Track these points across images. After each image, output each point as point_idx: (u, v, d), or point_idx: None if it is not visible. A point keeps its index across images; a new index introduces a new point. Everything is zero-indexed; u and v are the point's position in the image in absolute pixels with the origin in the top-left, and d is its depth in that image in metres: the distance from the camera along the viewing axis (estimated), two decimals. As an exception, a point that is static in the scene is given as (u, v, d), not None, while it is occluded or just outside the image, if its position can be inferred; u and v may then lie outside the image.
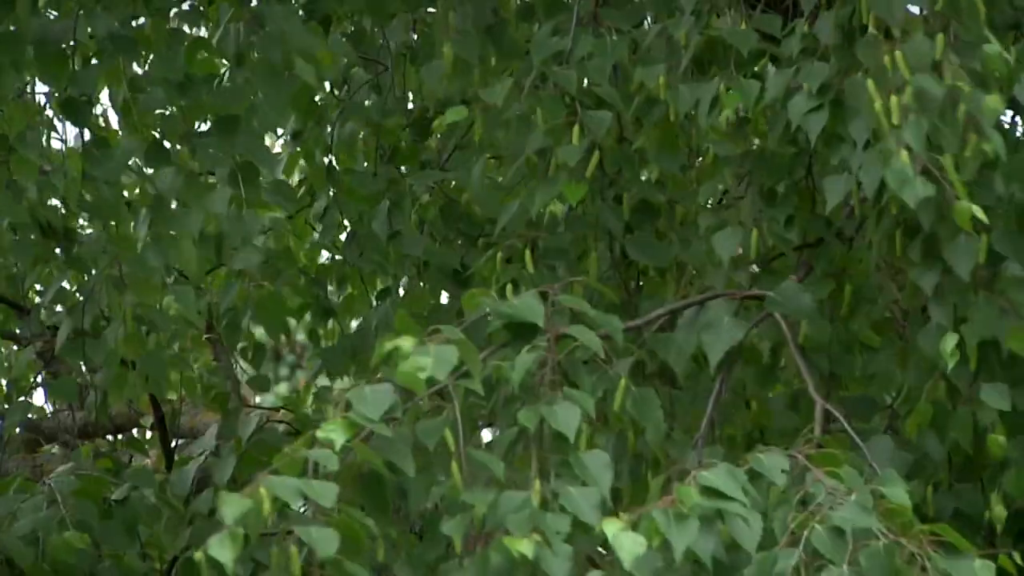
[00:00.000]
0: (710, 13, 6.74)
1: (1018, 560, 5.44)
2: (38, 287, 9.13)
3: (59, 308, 8.87)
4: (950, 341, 5.78)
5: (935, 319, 5.92)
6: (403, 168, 8.73)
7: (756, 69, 6.59)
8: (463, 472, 5.23)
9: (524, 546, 4.96)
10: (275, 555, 5.05)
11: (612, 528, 5.03)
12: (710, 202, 7.16)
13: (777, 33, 6.50)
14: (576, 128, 6.66)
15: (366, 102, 8.82)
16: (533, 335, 5.52)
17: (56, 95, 7.74)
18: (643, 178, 7.18)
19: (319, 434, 5.11)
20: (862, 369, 6.83)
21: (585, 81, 6.95)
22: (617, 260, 7.07)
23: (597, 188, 6.92)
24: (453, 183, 8.48)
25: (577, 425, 5.32)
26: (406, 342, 5.15)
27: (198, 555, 4.82)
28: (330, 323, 9.38)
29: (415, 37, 8.56)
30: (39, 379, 9.89)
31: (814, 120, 6.05)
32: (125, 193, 8.72)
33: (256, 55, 7.64)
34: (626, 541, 5.01)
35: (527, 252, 6.68)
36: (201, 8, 8.32)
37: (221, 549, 4.76)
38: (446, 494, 5.29)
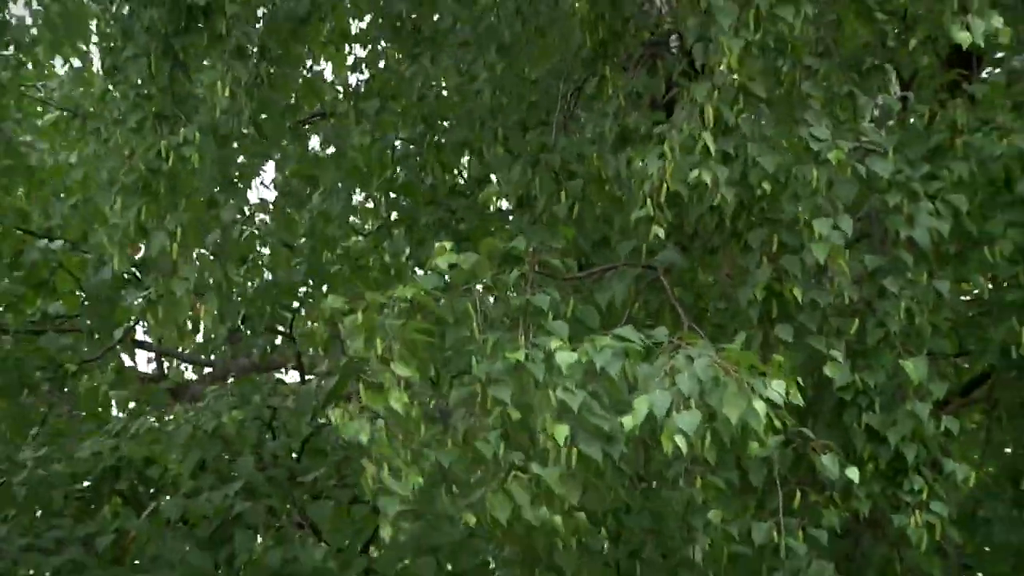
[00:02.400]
0: (625, 116, 8.11)
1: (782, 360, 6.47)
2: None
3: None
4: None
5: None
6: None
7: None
8: (479, 327, 6.59)
9: (519, 354, 6.24)
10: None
11: (555, 345, 6.30)
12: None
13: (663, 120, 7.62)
14: (563, 192, 8.20)
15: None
16: (520, 263, 6.90)
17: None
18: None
19: (398, 291, 6.49)
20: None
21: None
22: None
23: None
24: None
25: (548, 304, 6.65)
26: (447, 247, 6.67)
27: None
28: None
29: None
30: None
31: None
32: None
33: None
34: (563, 354, 6.25)
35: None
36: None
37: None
38: (469, 335, 6.65)
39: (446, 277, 6.64)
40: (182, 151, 8.01)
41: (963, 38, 6.95)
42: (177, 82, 8.18)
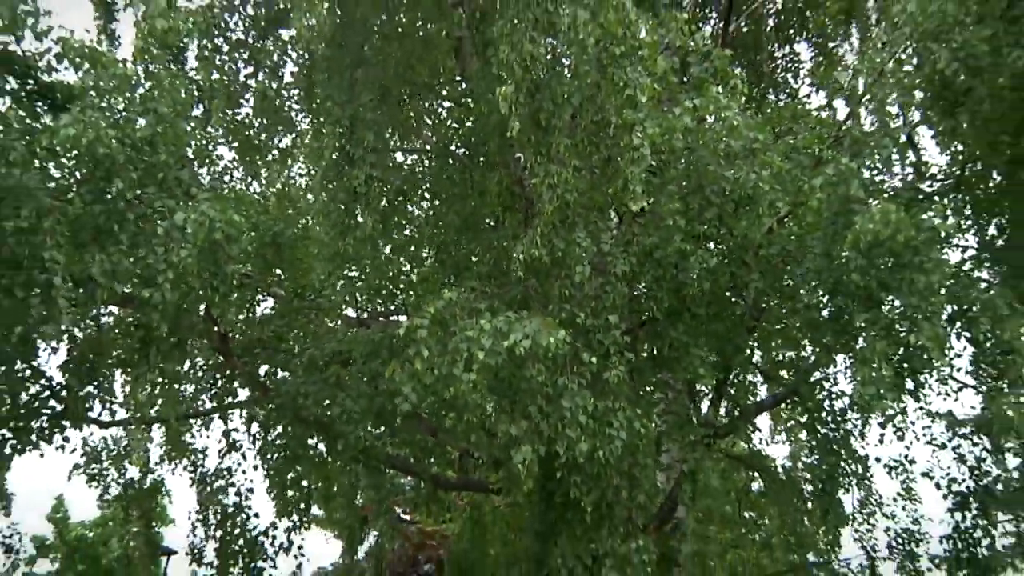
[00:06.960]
0: (516, 228, 10.87)
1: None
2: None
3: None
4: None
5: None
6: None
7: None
8: (460, 318, 9.43)
9: (470, 332, 8.84)
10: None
11: (485, 324, 8.70)
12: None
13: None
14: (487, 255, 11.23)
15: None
16: (474, 291, 9.94)
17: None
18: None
19: (429, 309, 9.15)
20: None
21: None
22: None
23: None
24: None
25: (484, 308, 9.37)
26: (447, 292, 9.58)
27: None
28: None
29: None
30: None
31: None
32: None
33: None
34: (487, 326, 8.65)
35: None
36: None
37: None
38: (456, 332, 9.14)
39: (451, 299, 9.14)
40: (348, 248, 11.49)
41: (635, 207, 8.53)
42: (348, 219, 11.15)
